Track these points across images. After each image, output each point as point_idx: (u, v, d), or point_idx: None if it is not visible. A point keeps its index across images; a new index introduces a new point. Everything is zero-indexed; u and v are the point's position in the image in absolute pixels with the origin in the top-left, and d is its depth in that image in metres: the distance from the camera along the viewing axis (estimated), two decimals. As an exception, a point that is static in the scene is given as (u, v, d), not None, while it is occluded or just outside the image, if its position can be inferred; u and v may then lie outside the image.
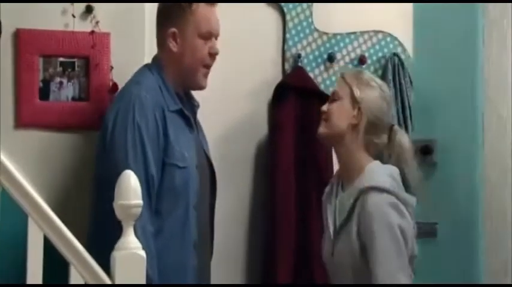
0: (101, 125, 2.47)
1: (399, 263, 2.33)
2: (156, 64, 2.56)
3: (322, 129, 2.53)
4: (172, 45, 2.53)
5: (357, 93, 2.50)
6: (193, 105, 2.65)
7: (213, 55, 2.56)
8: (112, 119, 2.41)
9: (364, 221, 2.36)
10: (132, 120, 2.38)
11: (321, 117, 2.54)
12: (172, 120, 2.46)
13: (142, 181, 2.26)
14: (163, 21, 2.55)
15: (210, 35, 2.55)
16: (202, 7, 2.53)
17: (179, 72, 2.54)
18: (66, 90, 2.72)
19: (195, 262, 2.48)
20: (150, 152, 2.38)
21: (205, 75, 2.58)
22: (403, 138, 2.54)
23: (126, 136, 2.37)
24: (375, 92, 2.51)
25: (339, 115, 2.50)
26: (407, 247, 2.36)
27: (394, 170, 2.47)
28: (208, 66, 2.58)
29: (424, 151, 3.34)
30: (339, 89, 2.55)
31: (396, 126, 2.59)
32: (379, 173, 2.43)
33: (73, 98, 2.73)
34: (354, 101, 2.49)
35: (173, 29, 2.52)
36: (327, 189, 2.60)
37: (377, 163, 2.49)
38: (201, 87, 2.60)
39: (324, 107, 2.54)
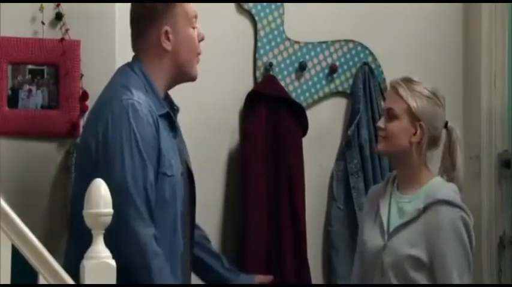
0: (84, 138, 2.35)
1: (469, 278, 2.42)
2: (139, 65, 2.41)
3: (381, 147, 2.52)
4: (166, 45, 2.40)
5: (415, 109, 2.44)
6: (173, 110, 2.53)
7: (201, 41, 2.48)
8: (102, 129, 2.26)
9: (436, 234, 2.40)
10: (127, 127, 2.24)
11: (379, 134, 2.50)
12: (161, 125, 2.35)
13: (141, 190, 2.22)
14: (150, 23, 2.40)
15: (196, 18, 2.45)
16: None
17: (173, 69, 2.42)
18: (35, 98, 2.70)
19: (180, 272, 2.41)
20: (148, 159, 2.26)
21: (197, 64, 2.48)
22: (458, 135, 2.55)
23: (122, 144, 2.24)
24: (431, 102, 2.47)
25: (400, 135, 2.46)
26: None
27: (456, 187, 2.50)
28: (199, 54, 2.48)
29: (507, 163, 3.36)
30: (394, 104, 2.48)
31: (450, 124, 2.55)
32: (447, 188, 2.47)
33: (42, 106, 2.70)
34: (414, 118, 2.45)
35: (166, 28, 2.39)
36: (380, 185, 2.61)
37: (439, 178, 2.51)
38: (194, 78, 2.49)
39: (381, 124, 2.50)
